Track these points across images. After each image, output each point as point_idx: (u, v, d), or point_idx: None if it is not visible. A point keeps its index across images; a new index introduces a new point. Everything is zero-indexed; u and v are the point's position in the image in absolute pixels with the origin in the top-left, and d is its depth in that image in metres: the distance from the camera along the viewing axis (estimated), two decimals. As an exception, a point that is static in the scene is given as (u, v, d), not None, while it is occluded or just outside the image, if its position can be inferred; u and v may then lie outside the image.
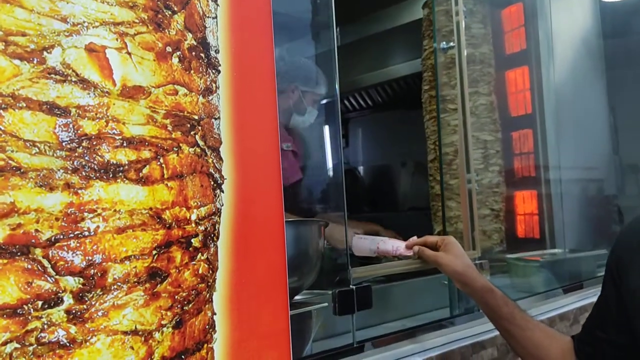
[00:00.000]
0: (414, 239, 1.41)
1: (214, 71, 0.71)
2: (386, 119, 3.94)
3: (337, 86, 2.04)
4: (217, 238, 0.69)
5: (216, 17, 0.72)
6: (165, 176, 0.65)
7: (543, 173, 2.63)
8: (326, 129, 2.55)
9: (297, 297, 1.23)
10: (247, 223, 0.72)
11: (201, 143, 0.69)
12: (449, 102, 2.35)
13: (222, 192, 0.71)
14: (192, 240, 0.67)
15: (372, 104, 3.70)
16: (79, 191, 0.58)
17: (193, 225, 0.67)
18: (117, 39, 0.63)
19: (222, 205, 0.70)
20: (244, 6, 0.74)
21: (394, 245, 1.42)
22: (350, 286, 1.26)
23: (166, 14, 0.67)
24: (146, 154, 0.64)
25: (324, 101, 2.40)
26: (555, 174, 2.62)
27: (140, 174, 0.63)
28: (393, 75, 3.39)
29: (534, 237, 2.70)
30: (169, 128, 0.66)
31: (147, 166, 0.63)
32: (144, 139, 0.64)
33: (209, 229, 0.68)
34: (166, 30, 0.66)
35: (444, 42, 1.87)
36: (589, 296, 1.91)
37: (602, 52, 2.85)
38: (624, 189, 3.13)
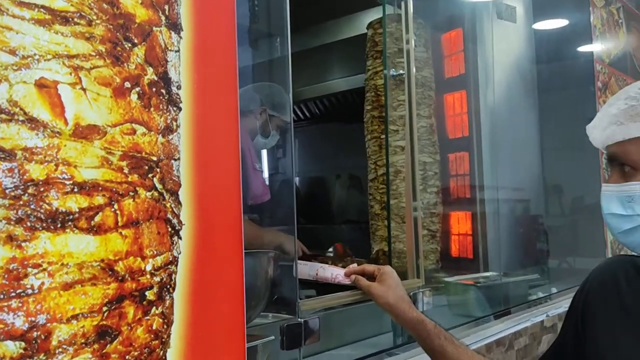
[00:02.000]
0: (353, 266, 1.40)
1: (175, 108, 0.66)
2: (323, 132, 3.94)
3: (290, 97, 2.02)
4: (174, 289, 0.64)
5: (179, 51, 0.67)
6: (120, 224, 0.59)
7: (478, 194, 2.70)
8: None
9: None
10: (206, 271, 0.67)
11: (159, 186, 0.64)
12: (390, 123, 2.37)
13: (180, 239, 0.66)
14: (147, 293, 0.61)
15: (310, 116, 3.69)
16: (23, 244, 0.52)
17: (148, 276, 0.62)
18: (70, 74, 0.57)
19: (180, 253, 0.65)
20: (209, 40, 0.69)
21: (333, 272, 1.41)
22: (298, 319, 1.23)
23: (125, 46, 0.61)
24: (99, 199, 0.58)
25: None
26: (489, 195, 2.69)
27: (92, 222, 0.57)
28: (331, 89, 3.39)
29: (468, 257, 2.76)
30: (125, 171, 0.60)
31: (100, 213, 0.58)
32: (97, 184, 0.58)
33: (164, 279, 0.63)
34: (125, 64, 0.61)
35: (394, 69, 1.87)
36: (523, 321, 1.96)
37: (535, 77, 2.97)
38: (553, 209, 3.26)
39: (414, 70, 1.74)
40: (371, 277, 1.37)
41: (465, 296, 2.13)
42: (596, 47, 2.92)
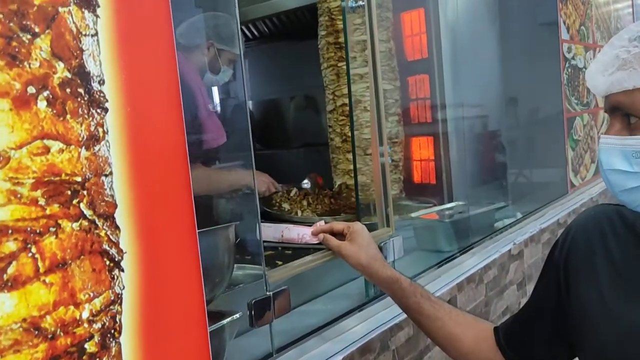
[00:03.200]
0: (321, 224, 1.31)
1: (99, 110, 0.52)
2: (273, 52, 3.73)
3: (237, 15, 1.83)
4: (120, 333, 0.53)
5: (97, 34, 0.52)
6: (42, 270, 0.47)
7: (439, 117, 2.62)
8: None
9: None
10: (159, 303, 0.56)
11: (88, 213, 0.51)
12: (348, 49, 2.22)
13: (122, 271, 0.54)
14: (86, 346, 0.50)
15: (259, 35, 3.47)
16: None
17: (85, 325, 0.50)
18: (-52, 88, 0.42)
19: (123, 288, 0.54)
20: (135, 14, 0.54)
21: (300, 232, 1.31)
22: (267, 292, 1.14)
23: (23, 39, 0.46)
24: (10, 246, 0.45)
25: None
26: (450, 117, 2.61)
27: (5, 276, 0.45)
28: (281, 7, 3.17)
29: (430, 182, 2.72)
30: (41, 202, 0.47)
31: (14, 263, 0.45)
32: (5, 226, 0.45)
33: (107, 324, 0.52)
34: (25, 62, 0.46)
35: (352, 0, 1.70)
36: (491, 253, 1.94)
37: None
38: (517, 118, 3.22)
39: (375, 1, 1.58)
40: (340, 235, 1.29)
41: (432, 230, 2.09)
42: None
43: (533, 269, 2.26)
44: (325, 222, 1.32)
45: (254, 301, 1.10)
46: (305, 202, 2.68)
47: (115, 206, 0.53)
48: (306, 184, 2.53)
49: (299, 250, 1.88)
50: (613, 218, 0.93)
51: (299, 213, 2.56)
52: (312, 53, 2.41)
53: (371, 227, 1.70)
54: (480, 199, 2.67)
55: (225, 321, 1.07)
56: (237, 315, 1.09)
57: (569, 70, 2.81)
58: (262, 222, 1.34)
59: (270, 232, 1.31)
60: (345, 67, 2.29)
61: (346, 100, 2.32)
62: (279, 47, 3.65)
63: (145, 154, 0.56)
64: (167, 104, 0.58)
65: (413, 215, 2.17)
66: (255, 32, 3.49)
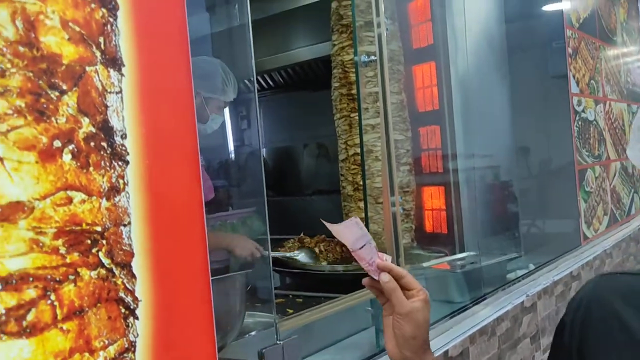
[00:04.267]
0: (387, 260, 1.02)
1: (120, 163, 0.54)
2: (287, 101, 3.81)
3: (253, 65, 1.86)
4: (132, 382, 0.54)
5: (121, 92, 0.55)
6: (59, 317, 0.49)
7: (450, 167, 2.64)
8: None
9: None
10: (171, 355, 0.57)
11: (106, 261, 0.53)
12: (360, 100, 2.26)
13: (137, 319, 0.55)
14: (99, 393, 0.51)
15: (274, 85, 3.55)
16: None
17: (99, 372, 0.51)
18: (-19, 142, 0.45)
19: (137, 336, 0.55)
20: (157, 73, 0.58)
21: (373, 257, 1.06)
22: (277, 342, 1.14)
23: (52, 96, 0.49)
24: (31, 293, 0.47)
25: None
26: (462, 168, 2.63)
27: (24, 322, 0.46)
28: (295, 59, 3.25)
29: (442, 232, 2.72)
30: (62, 251, 0.49)
31: (33, 310, 0.47)
32: (26, 274, 0.47)
33: (120, 372, 0.53)
34: (53, 118, 0.49)
35: (365, 55, 1.75)
36: (504, 305, 1.92)
37: (504, 39, 2.89)
38: (529, 169, 3.23)
39: (386, 53, 1.63)
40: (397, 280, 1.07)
41: (443, 282, 2.08)
42: (566, 10, 2.85)
43: (547, 322, 2.23)
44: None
45: (264, 350, 1.09)
46: (317, 250, 2.69)
47: (133, 255, 0.55)
48: (297, 254, 2.52)
49: (310, 299, 1.88)
50: (625, 291, 0.87)
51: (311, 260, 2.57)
52: (324, 103, 2.46)
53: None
54: (492, 249, 2.66)
55: (235, 370, 1.07)
56: (248, 364, 1.08)
57: (579, 122, 2.84)
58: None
59: (353, 234, 1.06)
60: (357, 117, 2.34)
61: (358, 150, 2.35)
62: (293, 97, 3.73)
63: (162, 205, 0.58)
64: (184, 157, 0.60)
65: (425, 264, 2.16)
66: (271, 82, 3.57)
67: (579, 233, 2.77)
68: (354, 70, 2.37)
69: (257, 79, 3.60)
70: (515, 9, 2.79)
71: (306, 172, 3.99)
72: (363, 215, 2.36)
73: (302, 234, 2.67)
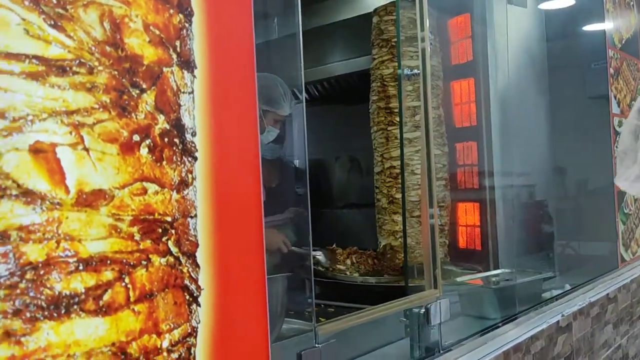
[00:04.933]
0: None
1: (190, 159, 0.58)
2: (322, 114, 3.86)
3: (302, 75, 1.90)
4: (194, 365, 0.57)
5: (193, 92, 0.59)
6: (132, 299, 0.52)
7: (486, 184, 2.63)
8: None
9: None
10: (229, 340, 0.60)
11: (174, 250, 0.56)
12: (396, 114, 2.28)
13: (199, 306, 0.58)
14: (164, 374, 0.55)
15: (308, 98, 3.60)
16: (23, 339, 0.45)
17: (165, 354, 0.55)
18: (70, 133, 0.49)
19: (199, 322, 0.58)
20: (226, 76, 0.61)
21: None
22: (315, 345, 1.16)
23: (133, 93, 0.53)
24: (108, 275, 0.50)
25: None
26: (497, 185, 2.62)
27: (101, 302, 0.50)
28: (331, 73, 3.30)
29: (476, 248, 2.70)
30: (137, 237, 0.53)
31: (109, 290, 0.50)
32: (105, 257, 0.51)
33: (183, 355, 0.56)
34: (133, 114, 0.53)
35: (408, 69, 1.78)
36: (539, 324, 1.90)
37: (545, 58, 2.89)
38: (567, 189, 3.20)
39: (430, 71, 1.65)
40: None
41: (477, 298, 2.07)
42: (608, 31, 2.83)
43: (582, 343, 2.20)
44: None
45: (302, 352, 1.12)
46: (349, 261, 2.70)
47: (197, 246, 0.58)
48: (320, 255, 2.55)
49: (341, 309, 1.89)
50: None
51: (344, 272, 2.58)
52: (357, 116, 2.48)
53: (416, 289, 1.71)
54: (526, 267, 2.63)
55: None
56: (287, 366, 1.10)
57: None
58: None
59: None
60: (394, 131, 2.36)
61: (394, 163, 2.37)
62: (327, 110, 3.77)
63: (225, 201, 0.61)
64: (247, 157, 0.64)
65: (459, 279, 2.16)
66: (306, 95, 3.62)
67: (617, 255, 2.72)
68: (392, 84, 2.39)
69: (292, 91, 3.65)
70: (557, 28, 2.79)
71: (338, 185, 4.02)
72: (397, 228, 2.37)
73: (334, 245, 2.69)
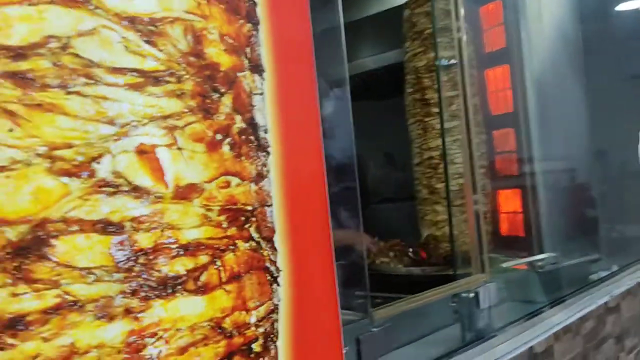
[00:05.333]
0: None
1: (264, 154, 0.65)
2: (354, 111, 3.90)
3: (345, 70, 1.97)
4: (277, 338, 0.64)
5: (263, 93, 0.65)
6: (223, 280, 0.59)
7: (525, 170, 2.64)
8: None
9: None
10: (305, 316, 0.67)
11: (256, 236, 0.63)
12: (433, 105, 2.32)
13: (279, 285, 0.65)
14: (253, 346, 0.61)
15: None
16: (139, 315, 0.52)
17: (253, 328, 0.61)
18: (166, 135, 0.56)
19: (280, 300, 0.65)
20: (289, 76, 0.67)
21: None
22: (372, 329, 1.22)
23: (214, 97, 0.60)
24: (203, 259, 0.57)
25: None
26: (538, 170, 2.63)
27: (199, 282, 0.57)
28: (360, 69, 3.34)
29: (519, 235, 2.72)
30: (224, 225, 0.60)
31: (205, 272, 0.57)
32: (200, 243, 0.58)
33: (268, 329, 0.63)
34: (215, 115, 0.60)
35: (445, 59, 1.82)
36: (587, 305, 1.92)
37: (580, 38, 2.87)
38: (605, 172, 3.18)
39: (467, 60, 1.69)
40: None
41: (525, 283, 2.10)
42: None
43: (631, 323, 2.20)
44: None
45: (360, 336, 1.17)
46: (392, 254, 2.75)
47: (274, 231, 0.65)
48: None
49: (389, 300, 1.94)
50: None
51: (388, 264, 2.64)
52: (389, 111, 2.52)
53: (462, 277, 1.75)
54: (571, 252, 2.64)
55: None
56: (345, 349, 1.16)
57: (662, 121, 2.78)
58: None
59: None
60: (431, 122, 2.39)
61: (433, 154, 2.40)
62: (358, 106, 3.80)
63: (295, 190, 0.68)
64: (311, 149, 0.70)
65: (504, 265, 2.18)
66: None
67: (662, 236, 2.71)
68: (427, 75, 2.42)
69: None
70: (591, 9, 2.77)
71: (373, 181, 4.07)
72: (439, 218, 2.41)
73: (375, 238, 2.75)
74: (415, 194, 2.54)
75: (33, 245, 0.45)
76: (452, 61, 1.75)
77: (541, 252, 2.63)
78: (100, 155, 0.51)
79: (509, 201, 2.89)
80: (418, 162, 2.52)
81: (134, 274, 0.52)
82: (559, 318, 1.80)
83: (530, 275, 2.11)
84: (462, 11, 1.70)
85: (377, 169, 4.11)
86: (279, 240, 0.66)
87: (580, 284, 2.11)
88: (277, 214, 0.65)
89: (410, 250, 2.73)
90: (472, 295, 1.57)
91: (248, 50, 0.64)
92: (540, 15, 2.73)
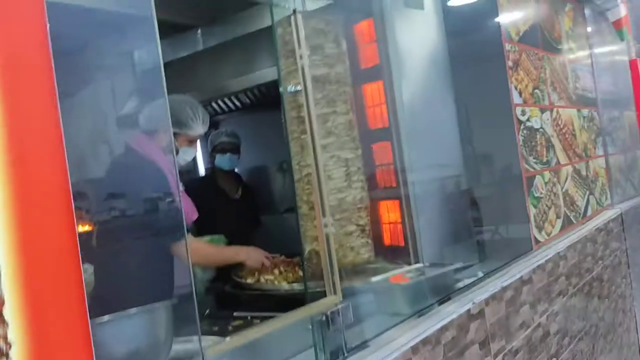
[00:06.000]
0: None
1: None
2: (256, 121, 3.90)
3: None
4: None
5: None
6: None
7: (403, 181, 2.73)
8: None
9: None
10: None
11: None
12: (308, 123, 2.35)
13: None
14: None
15: (241, 106, 3.64)
16: None
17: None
18: None
19: (13, 375, 0.62)
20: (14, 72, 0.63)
21: None
22: (201, 364, 1.21)
23: None
24: None
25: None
26: (414, 180, 2.72)
27: None
28: (260, 79, 3.34)
29: (399, 244, 2.80)
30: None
31: None
32: None
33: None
34: None
35: (291, 86, 1.84)
36: (449, 314, 1.98)
37: (447, 57, 3.00)
38: (478, 181, 3.34)
39: (310, 86, 1.72)
40: None
41: (392, 294, 2.16)
42: (504, 24, 2.96)
43: (496, 327, 2.32)
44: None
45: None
46: (277, 271, 2.76)
47: (3, 302, 0.62)
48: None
49: (267, 319, 1.93)
50: None
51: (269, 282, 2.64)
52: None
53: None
54: (447, 258, 2.75)
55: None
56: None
57: (525, 131, 2.95)
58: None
59: None
60: (307, 139, 2.42)
61: (310, 170, 2.43)
62: (262, 117, 3.82)
63: (33, 248, 0.65)
64: (53, 196, 0.67)
65: (373, 279, 2.24)
66: (238, 104, 3.66)
67: (530, 238, 2.87)
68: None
69: (225, 101, 3.69)
70: (455, 26, 2.90)
71: (278, 192, 4.09)
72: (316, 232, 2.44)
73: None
74: (297, 210, 2.57)
75: None
76: (298, 87, 1.78)
77: (419, 260, 2.73)
78: None
79: (390, 212, 2.97)
80: (298, 179, 2.54)
81: None
82: (417, 331, 1.86)
83: (396, 288, 2.17)
84: (302, 37, 1.73)
85: (282, 179, 4.13)
86: (11, 311, 0.63)
87: (445, 294, 2.19)
88: (7, 282, 0.63)
89: (296, 266, 2.76)
90: (324, 318, 1.60)
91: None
92: (409, 33, 2.83)
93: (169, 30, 3.26)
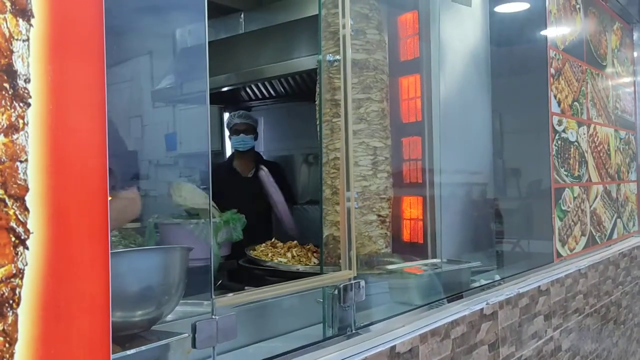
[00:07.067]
0: None
1: (21, 104, 0.61)
2: (289, 111, 3.90)
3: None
4: (18, 304, 0.60)
5: (28, 40, 0.62)
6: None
7: (429, 179, 2.69)
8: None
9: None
10: (62, 286, 0.63)
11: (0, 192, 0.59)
12: (340, 106, 2.33)
13: (27, 249, 0.61)
14: (-18, 310, 0.57)
15: (275, 95, 3.64)
16: None
17: (-16, 290, 0.57)
18: None
19: (26, 264, 0.61)
20: (67, 28, 0.64)
21: None
22: (212, 316, 1.19)
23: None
24: None
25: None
26: (441, 180, 2.69)
27: None
28: (297, 68, 3.34)
29: (418, 241, 2.76)
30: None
31: None
32: None
33: (6, 294, 0.59)
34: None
35: (330, 55, 1.83)
36: (461, 310, 1.95)
37: (489, 61, 2.96)
38: (505, 191, 3.29)
39: (350, 54, 1.70)
40: None
41: (406, 284, 2.12)
42: (550, 33, 2.91)
43: (508, 332, 2.27)
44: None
45: (197, 322, 1.15)
46: (290, 254, 2.75)
47: (27, 190, 0.61)
48: None
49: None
50: None
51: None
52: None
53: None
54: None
55: (170, 340, 1.12)
56: (184, 335, 1.14)
57: (559, 142, 2.89)
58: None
59: None
60: (338, 122, 2.41)
61: (337, 154, 2.41)
62: (294, 107, 3.82)
63: (64, 149, 0.64)
64: (91, 109, 0.67)
65: (389, 267, 2.21)
66: (272, 92, 3.66)
67: (552, 250, 2.81)
68: (337, 76, 2.43)
69: (259, 87, 3.70)
70: (500, 30, 2.86)
71: (302, 182, 4.08)
72: (340, 218, 2.42)
73: (273, 239, 2.76)
74: (321, 193, 2.55)
75: None
76: (337, 57, 1.76)
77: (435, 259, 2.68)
78: None
79: (412, 208, 2.93)
80: (324, 162, 2.52)
81: None
82: (427, 320, 1.82)
83: (411, 279, 2.13)
84: (347, 9, 1.71)
85: (307, 170, 4.13)
86: (33, 200, 0.62)
87: (460, 290, 2.15)
88: (33, 172, 0.62)
89: (311, 251, 2.74)
90: (336, 291, 1.57)
91: (12, -9, 0.60)
92: (453, 29, 2.80)
93: (213, 11, 3.29)
